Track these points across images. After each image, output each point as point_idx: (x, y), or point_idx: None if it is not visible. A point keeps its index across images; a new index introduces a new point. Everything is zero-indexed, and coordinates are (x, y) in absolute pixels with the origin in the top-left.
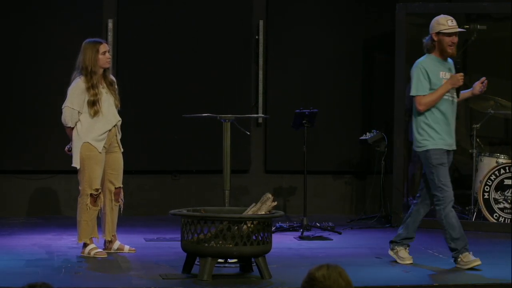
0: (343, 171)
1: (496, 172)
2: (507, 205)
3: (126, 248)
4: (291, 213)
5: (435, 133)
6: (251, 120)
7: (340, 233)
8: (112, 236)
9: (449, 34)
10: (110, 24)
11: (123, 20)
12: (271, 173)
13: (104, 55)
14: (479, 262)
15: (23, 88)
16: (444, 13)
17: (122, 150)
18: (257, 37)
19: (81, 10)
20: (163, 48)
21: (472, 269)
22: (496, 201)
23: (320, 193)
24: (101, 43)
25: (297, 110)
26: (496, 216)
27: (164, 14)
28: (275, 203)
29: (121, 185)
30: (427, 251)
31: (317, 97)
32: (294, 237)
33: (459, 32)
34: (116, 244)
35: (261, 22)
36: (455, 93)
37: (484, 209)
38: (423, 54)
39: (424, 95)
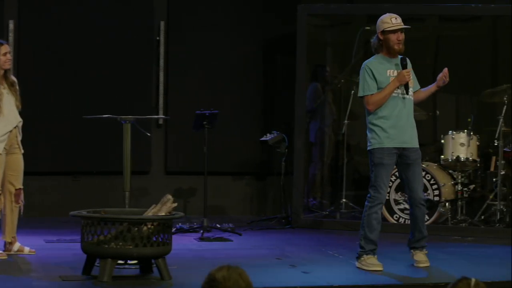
0: (243, 172)
1: (396, 173)
2: (407, 206)
3: (26, 249)
4: (191, 214)
5: (382, 132)
6: (152, 121)
7: (240, 234)
8: (12, 237)
9: (394, 31)
10: (11, 25)
11: (24, 21)
12: (171, 174)
13: (5, 56)
14: (381, 269)
15: None
16: (345, 15)
17: (22, 151)
18: (158, 38)
19: None
20: (64, 49)
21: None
22: (396, 202)
23: (220, 194)
24: (2, 44)
25: (198, 111)
26: (396, 217)
27: (65, 15)
28: (175, 204)
29: (22, 187)
30: (327, 252)
31: (218, 98)
32: (194, 238)
33: (405, 28)
34: (16, 245)
35: (162, 23)
36: (404, 90)
37: (384, 209)
38: (322, 55)
39: (371, 94)
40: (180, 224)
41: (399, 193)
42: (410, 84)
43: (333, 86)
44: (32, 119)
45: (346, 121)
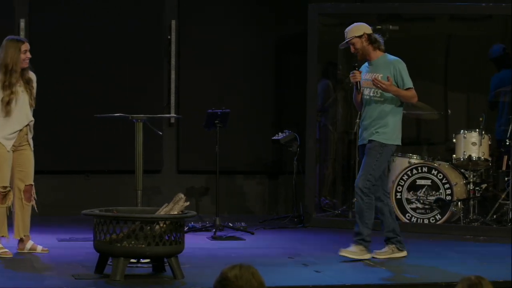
0: (255, 171)
1: (409, 172)
2: (419, 205)
3: (39, 248)
4: (203, 213)
5: None
6: (163, 120)
7: (252, 233)
8: (25, 236)
9: None
10: (22, 24)
11: (35, 19)
12: (183, 173)
13: (25, 54)
14: (341, 253)
15: None
16: (356, 14)
17: (32, 148)
18: (169, 36)
19: None
20: (76, 47)
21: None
22: (409, 201)
23: (232, 193)
24: (23, 41)
25: (209, 110)
26: (408, 216)
27: (76, 13)
28: (188, 203)
29: (32, 183)
30: (337, 250)
31: (229, 97)
32: (206, 237)
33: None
34: (29, 244)
35: (173, 22)
36: (371, 92)
37: (397, 209)
38: (335, 54)
39: None
40: (192, 223)
41: (411, 192)
42: (365, 85)
43: (345, 85)
44: (44, 118)
45: (358, 120)
